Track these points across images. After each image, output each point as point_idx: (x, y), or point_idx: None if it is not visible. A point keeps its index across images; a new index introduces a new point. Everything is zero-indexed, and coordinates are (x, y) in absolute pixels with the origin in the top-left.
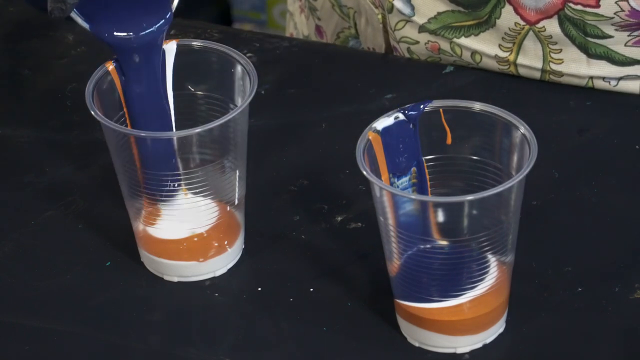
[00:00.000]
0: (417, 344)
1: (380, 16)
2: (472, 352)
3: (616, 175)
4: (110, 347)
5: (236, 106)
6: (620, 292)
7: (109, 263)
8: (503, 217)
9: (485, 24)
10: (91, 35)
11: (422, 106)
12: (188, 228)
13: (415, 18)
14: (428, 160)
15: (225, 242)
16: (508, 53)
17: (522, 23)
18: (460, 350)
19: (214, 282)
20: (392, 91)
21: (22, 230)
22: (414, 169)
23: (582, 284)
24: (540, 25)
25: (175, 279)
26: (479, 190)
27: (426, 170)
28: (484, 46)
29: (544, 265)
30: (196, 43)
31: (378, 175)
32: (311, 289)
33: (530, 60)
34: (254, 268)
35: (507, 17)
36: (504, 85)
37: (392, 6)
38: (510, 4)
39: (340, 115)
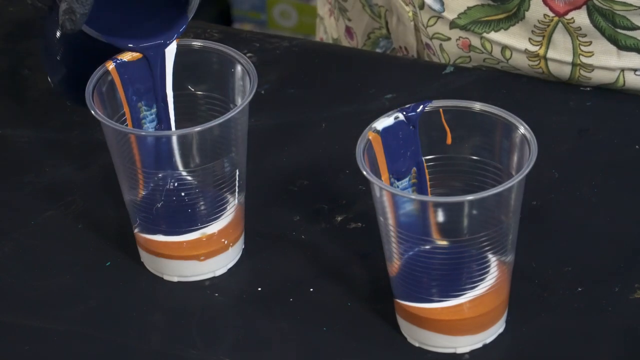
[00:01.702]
0: (417, 344)
1: (410, 14)
2: (472, 352)
3: (616, 175)
4: (110, 347)
5: (236, 106)
6: (620, 292)
7: (109, 263)
8: (503, 217)
9: (514, 17)
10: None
11: (422, 106)
12: (187, 228)
13: (445, 14)
14: (428, 160)
15: (225, 242)
16: (538, 47)
17: (551, 15)
18: (460, 350)
19: (214, 282)
20: (392, 91)
21: (22, 230)
22: (414, 169)
23: (582, 284)
24: (569, 16)
25: (175, 279)
26: (478, 190)
27: (426, 171)
28: (514, 40)
29: (544, 265)
30: (196, 43)
31: (378, 175)
32: (311, 289)
33: (560, 54)
34: (254, 268)
35: (536, 9)
36: (504, 85)
37: (423, 2)
38: None
39: (340, 115)
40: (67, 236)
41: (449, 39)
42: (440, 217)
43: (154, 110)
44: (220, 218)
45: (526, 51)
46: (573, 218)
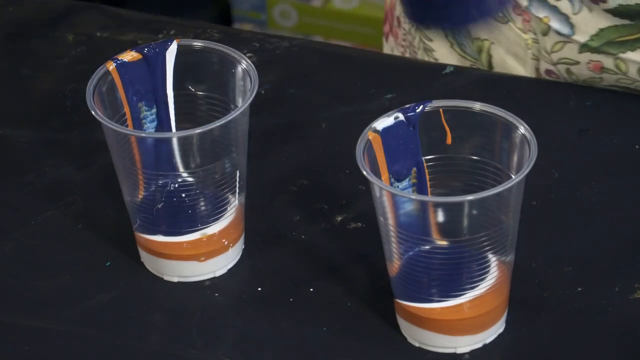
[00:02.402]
0: (417, 344)
1: (530, 41)
2: (472, 352)
3: (616, 175)
4: (110, 347)
5: (236, 106)
6: (620, 292)
7: (109, 263)
8: (503, 217)
9: None
10: (95, 35)
11: (422, 106)
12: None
13: (575, 37)
14: (428, 160)
15: (226, 242)
16: None
17: None
18: (460, 350)
19: (214, 282)
20: (392, 91)
21: (22, 230)
22: (414, 169)
23: (582, 284)
24: None
25: (175, 279)
26: (478, 190)
27: (426, 171)
28: None
29: (544, 265)
30: (197, 43)
31: (378, 175)
32: (311, 289)
33: None
34: (254, 268)
35: None
36: (504, 85)
37: (548, 28)
38: None
39: (340, 115)
40: (67, 236)
41: (577, 62)
42: (440, 217)
43: (154, 110)
44: (221, 219)
45: None
46: (573, 218)
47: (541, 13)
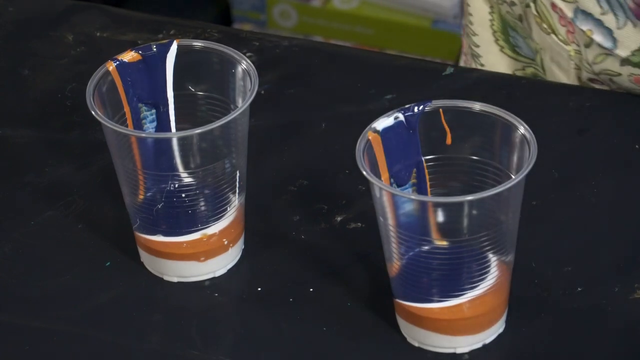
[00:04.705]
0: (416, 344)
1: (573, 52)
2: (472, 352)
3: (616, 175)
4: (110, 347)
5: (236, 106)
6: (620, 292)
7: (109, 263)
8: (503, 217)
9: None
10: (95, 35)
11: (422, 106)
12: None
13: (617, 51)
14: (428, 160)
15: (226, 242)
16: None
17: None
18: (460, 350)
19: (214, 282)
20: (392, 91)
21: (22, 230)
22: (414, 169)
23: (582, 284)
24: None
25: (175, 279)
26: (478, 190)
27: (426, 171)
28: None
29: (544, 265)
30: (197, 43)
31: (378, 175)
32: (311, 289)
33: None
34: (254, 268)
35: None
36: (504, 85)
37: (591, 40)
38: None
39: (340, 115)
40: (67, 236)
41: (619, 74)
42: (440, 217)
43: (154, 110)
44: (221, 219)
45: None
46: (573, 218)
47: (585, 26)
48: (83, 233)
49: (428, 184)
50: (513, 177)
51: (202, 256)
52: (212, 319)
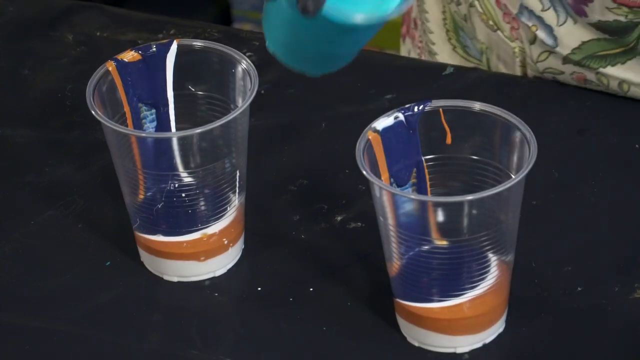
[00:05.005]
0: (416, 344)
1: (517, 49)
2: (472, 352)
3: (616, 174)
4: (110, 347)
5: (236, 106)
6: (620, 292)
7: (109, 263)
8: (503, 216)
9: (631, 52)
10: (95, 35)
11: (422, 106)
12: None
13: (558, 49)
14: (428, 160)
15: (226, 242)
16: None
17: None
18: (460, 350)
19: (214, 282)
20: (392, 91)
21: (22, 230)
22: (414, 169)
23: (582, 284)
24: None
25: (175, 279)
26: (478, 190)
27: (426, 170)
28: (632, 74)
29: (544, 265)
30: (197, 43)
31: (378, 175)
32: (311, 289)
33: None
34: (254, 268)
35: None
36: (504, 85)
37: (535, 37)
38: None
39: (340, 115)
40: (67, 236)
41: (562, 72)
42: (440, 217)
43: (154, 110)
44: (221, 218)
45: None
46: (573, 218)
47: (530, 22)
48: (83, 233)
49: (428, 183)
50: (513, 177)
51: (202, 256)
52: (212, 318)
